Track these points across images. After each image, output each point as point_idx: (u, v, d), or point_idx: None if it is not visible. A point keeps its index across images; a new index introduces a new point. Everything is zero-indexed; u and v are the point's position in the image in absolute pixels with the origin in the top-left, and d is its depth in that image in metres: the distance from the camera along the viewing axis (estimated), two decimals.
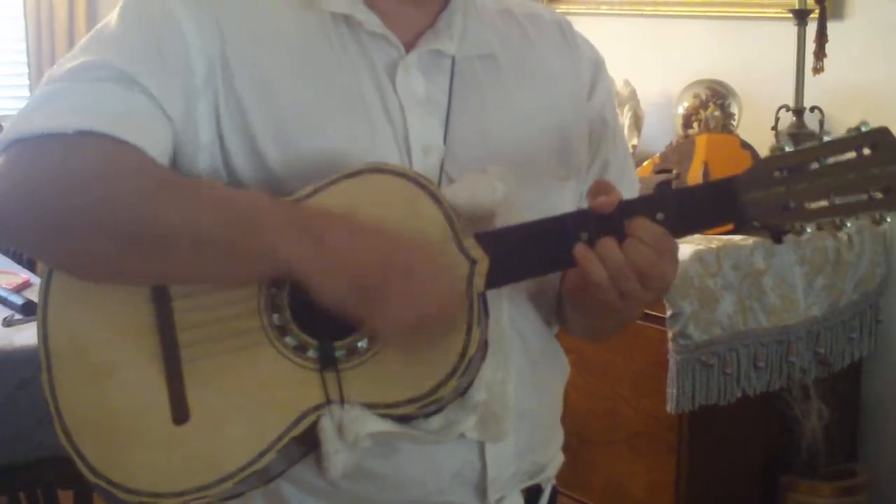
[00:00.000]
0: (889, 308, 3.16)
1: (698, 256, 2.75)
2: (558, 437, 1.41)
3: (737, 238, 2.86)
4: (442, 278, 1.11)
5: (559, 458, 1.41)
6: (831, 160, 1.14)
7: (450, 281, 1.12)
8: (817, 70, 3.02)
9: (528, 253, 1.17)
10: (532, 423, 1.31)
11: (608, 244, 1.14)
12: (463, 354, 1.12)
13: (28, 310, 2.70)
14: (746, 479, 3.02)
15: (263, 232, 1.09)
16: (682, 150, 3.16)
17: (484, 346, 1.15)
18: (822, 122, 3.03)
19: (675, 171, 3.08)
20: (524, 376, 1.27)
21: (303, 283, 1.10)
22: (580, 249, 1.14)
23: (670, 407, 2.77)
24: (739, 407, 2.86)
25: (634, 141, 3.52)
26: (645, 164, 3.22)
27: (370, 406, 1.13)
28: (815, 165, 1.14)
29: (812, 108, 3.03)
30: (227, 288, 1.15)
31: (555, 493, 1.42)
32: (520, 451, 1.30)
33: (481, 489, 1.28)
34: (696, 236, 2.84)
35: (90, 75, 1.17)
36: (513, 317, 1.27)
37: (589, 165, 1.38)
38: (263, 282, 1.15)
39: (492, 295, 1.18)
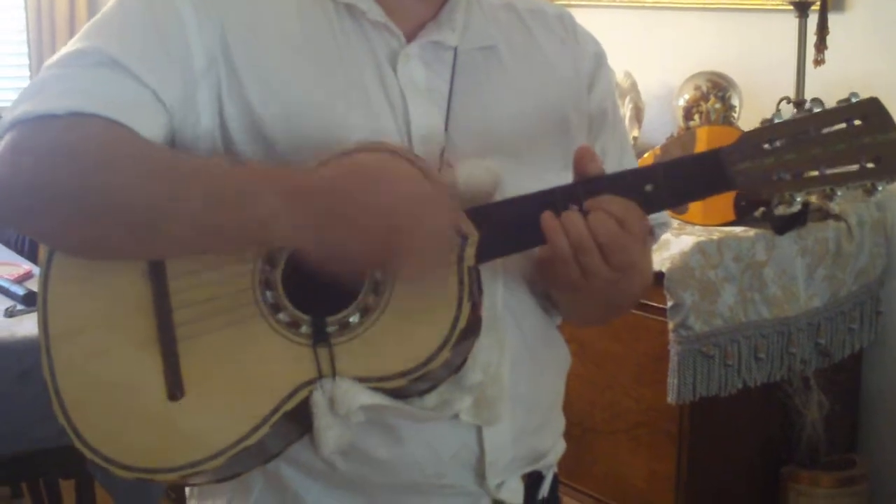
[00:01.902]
0: (889, 299, 3.16)
1: (699, 248, 2.75)
2: (558, 424, 1.41)
3: (738, 230, 2.86)
4: (436, 207, 1.11)
5: (560, 446, 1.41)
6: (822, 131, 1.14)
7: (443, 208, 1.12)
8: (818, 62, 3.02)
9: (518, 227, 1.17)
10: (528, 408, 1.31)
11: (572, 215, 1.14)
12: (453, 327, 1.13)
13: (30, 300, 2.71)
14: (747, 469, 3.03)
15: (252, 207, 1.08)
16: (683, 142, 3.16)
17: (477, 323, 1.16)
18: None
19: None
20: (521, 361, 1.28)
21: (298, 251, 1.11)
22: (546, 217, 1.15)
23: (671, 398, 2.78)
24: (740, 398, 2.87)
25: (635, 133, 3.52)
26: (646, 155, 3.22)
27: (362, 380, 1.14)
28: (804, 136, 1.14)
29: (813, 100, 3.03)
30: (223, 266, 1.16)
31: (556, 481, 1.42)
32: (517, 436, 1.30)
33: (480, 473, 1.28)
34: (697, 228, 2.85)
35: (83, 61, 1.19)
36: (509, 302, 1.27)
37: None
38: (262, 248, 1.16)
39: (486, 278, 1.19)
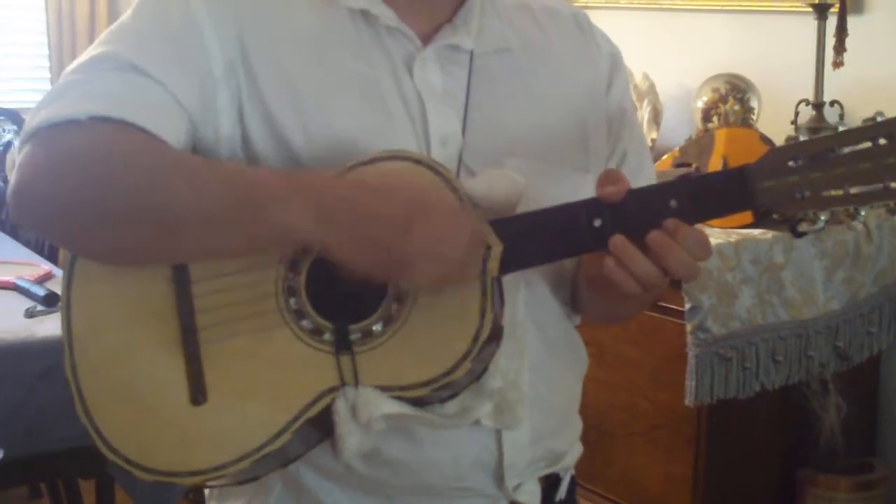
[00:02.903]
0: None
1: (717, 250, 2.75)
2: (575, 426, 1.41)
3: (756, 232, 2.86)
4: (460, 221, 1.11)
5: (577, 448, 1.41)
6: (846, 150, 1.13)
7: (467, 221, 1.12)
8: (837, 64, 3.02)
9: (541, 239, 1.17)
10: (546, 410, 1.32)
11: (637, 258, 1.14)
12: (476, 338, 1.13)
13: (50, 301, 2.72)
14: (764, 472, 3.02)
15: (270, 207, 1.09)
16: (701, 144, 3.15)
17: (498, 332, 1.16)
18: (841, 117, 3.02)
19: (694, 165, 3.08)
20: (539, 364, 1.28)
21: (320, 251, 1.11)
22: (611, 265, 1.15)
23: (689, 400, 2.77)
24: (758, 401, 2.86)
25: (654, 135, 3.52)
26: (664, 157, 3.22)
27: (384, 388, 1.15)
28: (829, 155, 1.14)
29: (832, 103, 3.02)
30: (246, 271, 1.16)
31: (573, 484, 1.43)
32: (535, 439, 1.30)
33: (498, 475, 1.29)
34: (715, 230, 2.84)
35: (102, 66, 1.19)
36: (530, 306, 1.28)
37: (608, 156, 1.38)
38: (285, 252, 1.16)
39: (508, 285, 1.19)
